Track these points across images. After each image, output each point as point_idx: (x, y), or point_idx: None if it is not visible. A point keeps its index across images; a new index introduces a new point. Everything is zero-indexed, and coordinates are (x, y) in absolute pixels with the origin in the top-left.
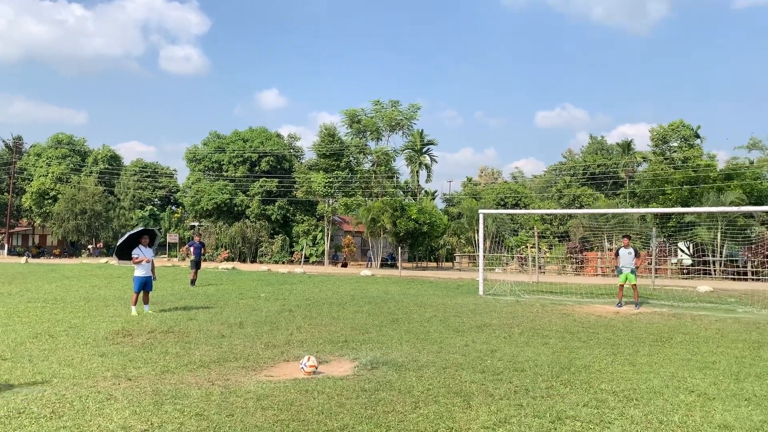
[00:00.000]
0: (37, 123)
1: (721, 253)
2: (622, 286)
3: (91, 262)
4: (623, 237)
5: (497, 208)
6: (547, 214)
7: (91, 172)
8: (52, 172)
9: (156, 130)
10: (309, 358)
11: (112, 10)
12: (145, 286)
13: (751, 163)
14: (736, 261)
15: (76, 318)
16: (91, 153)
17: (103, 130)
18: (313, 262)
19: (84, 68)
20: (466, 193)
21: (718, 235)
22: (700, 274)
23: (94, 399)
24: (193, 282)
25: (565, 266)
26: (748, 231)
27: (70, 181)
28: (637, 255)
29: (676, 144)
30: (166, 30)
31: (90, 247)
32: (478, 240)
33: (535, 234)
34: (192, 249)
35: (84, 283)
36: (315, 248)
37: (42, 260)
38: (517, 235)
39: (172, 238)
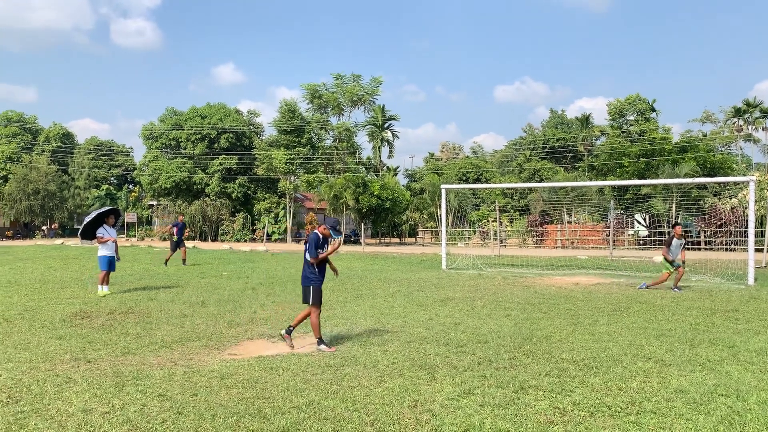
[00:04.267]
0: None
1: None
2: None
3: (46, 244)
4: (674, 226)
5: (459, 183)
6: (508, 189)
7: (43, 151)
8: (2, 152)
9: (110, 107)
10: None
11: None
12: (110, 265)
13: (705, 135)
14: (690, 231)
15: (31, 301)
16: (43, 131)
17: (54, 107)
18: (275, 240)
19: (31, 42)
20: (428, 168)
21: (673, 206)
22: (655, 244)
23: (53, 382)
24: (166, 262)
25: (525, 239)
26: (702, 202)
27: (21, 161)
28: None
29: (632, 117)
30: (117, 3)
31: (45, 228)
32: (440, 215)
33: (497, 208)
34: (176, 229)
35: (39, 264)
36: (277, 226)
37: None
38: (479, 209)
39: (130, 217)
